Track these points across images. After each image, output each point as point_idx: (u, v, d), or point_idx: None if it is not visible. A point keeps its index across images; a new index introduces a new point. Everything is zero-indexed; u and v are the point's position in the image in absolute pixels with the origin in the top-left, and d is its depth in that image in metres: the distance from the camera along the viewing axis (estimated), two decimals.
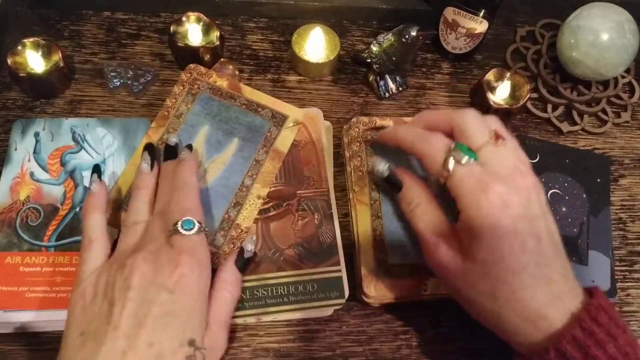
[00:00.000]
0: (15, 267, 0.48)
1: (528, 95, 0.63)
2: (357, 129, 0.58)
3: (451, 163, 0.42)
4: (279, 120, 0.56)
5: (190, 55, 0.61)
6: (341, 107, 0.64)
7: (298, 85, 0.64)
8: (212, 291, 0.44)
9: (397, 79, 0.65)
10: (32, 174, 0.52)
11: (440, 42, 0.68)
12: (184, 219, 0.43)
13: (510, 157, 0.43)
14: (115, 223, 0.50)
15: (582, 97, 0.67)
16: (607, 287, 0.55)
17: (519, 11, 0.75)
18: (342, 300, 0.50)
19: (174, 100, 0.56)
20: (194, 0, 0.65)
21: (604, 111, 0.68)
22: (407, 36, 0.58)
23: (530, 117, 0.67)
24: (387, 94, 0.64)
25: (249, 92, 0.58)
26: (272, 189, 0.53)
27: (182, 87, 0.57)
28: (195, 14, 0.62)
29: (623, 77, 0.70)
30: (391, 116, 0.61)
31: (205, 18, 0.62)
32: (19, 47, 0.57)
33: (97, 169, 0.49)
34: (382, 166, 0.49)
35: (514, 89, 0.63)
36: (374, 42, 0.62)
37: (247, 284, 0.49)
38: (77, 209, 0.51)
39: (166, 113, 0.56)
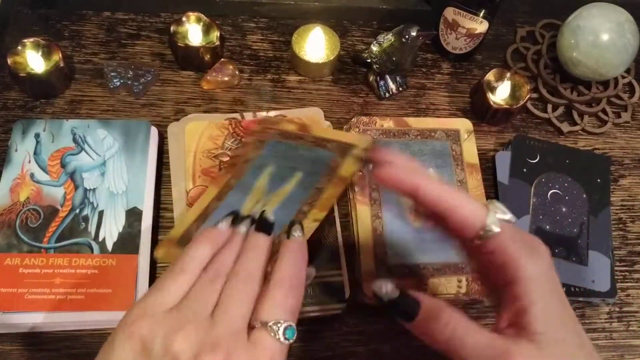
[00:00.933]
0: (15, 268, 0.48)
1: (528, 96, 0.63)
2: (357, 129, 0.58)
3: (494, 217, 0.34)
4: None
5: (190, 56, 0.61)
6: (341, 107, 0.64)
7: (298, 85, 0.64)
8: None
9: (397, 79, 0.65)
10: (32, 175, 0.52)
11: (440, 42, 0.68)
12: (288, 323, 0.34)
13: None
14: (167, 257, 0.47)
15: (582, 98, 0.67)
16: (607, 287, 0.56)
17: (519, 11, 0.75)
18: (342, 306, 0.50)
19: (243, 150, 0.55)
20: (194, 1, 0.65)
21: (604, 111, 0.68)
22: (407, 36, 0.58)
23: (530, 117, 0.67)
24: (387, 94, 0.64)
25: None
26: None
27: (252, 137, 0.56)
28: (195, 14, 0.61)
29: (623, 77, 0.70)
30: (391, 116, 0.61)
31: (205, 18, 0.62)
32: (19, 47, 0.57)
33: (235, 214, 0.42)
34: (388, 287, 0.37)
35: (514, 89, 0.63)
36: (374, 42, 0.62)
37: None
38: (77, 211, 0.51)
39: (233, 162, 0.54)
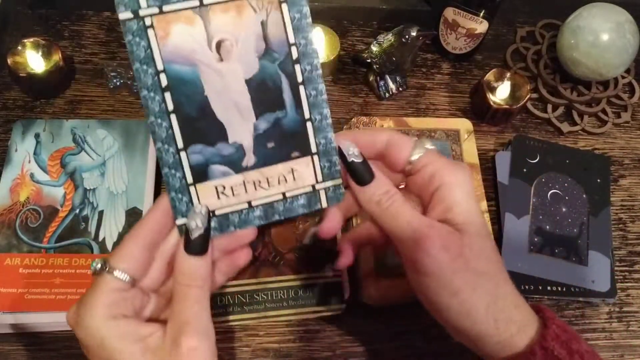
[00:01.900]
0: (15, 268, 0.48)
1: (528, 96, 0.63)
2: (357, 129, 0.58)
3: (419, 142, 0.38)
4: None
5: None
6: (341, 107, 0.64)
7: None
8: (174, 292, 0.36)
9: (397, 79, 0.65)
10: (32, 175, 0.52)
11: (440, 43, 0.68)
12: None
13: None
14: None
15: (582, 98, 0.67)
16: (607, 287, 0.56)
17: (519, 11, 0.75)
18: (342, 306, 0.50)
19: None
20: None
21: (604, 111, 0.68)
22: (407, 36, 0.58)
23: (530, 117, 0.67)
24: (387, 94, 0.64)
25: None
26: None
27: None
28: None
29: (623, 77, 0.70)
30: (391, 116, 0.61)
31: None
32: (19, 47, 0.57)
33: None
34: (354, 149, 0.38)
35: (514, 89, 0.63)
36: (374, 42, 0.62)
37: (246, 288, 0.49)
38: (77, 211, 0.51)
39: None
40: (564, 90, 0.67)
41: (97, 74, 0.62)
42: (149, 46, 0.33)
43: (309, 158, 0.37)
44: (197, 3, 0.33)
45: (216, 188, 0.36)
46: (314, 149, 0.37)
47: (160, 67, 0.33)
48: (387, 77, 0.64)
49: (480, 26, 0.64)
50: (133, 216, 0.51)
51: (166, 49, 0.33)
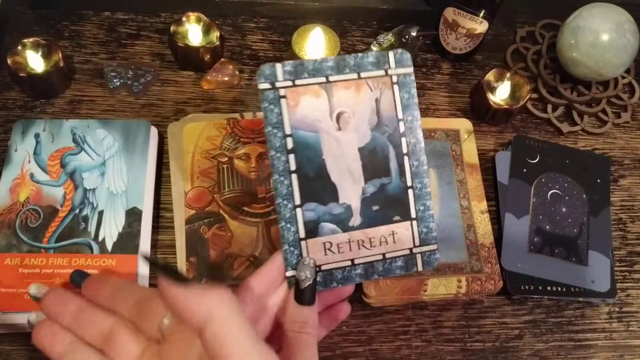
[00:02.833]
0: (15, 268, 0.48)
1: (528, 96, 0.63)
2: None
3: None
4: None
5: (190, 56, 0.61)
6: None
7: None
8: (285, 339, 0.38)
9: None
10: (32, 175, 0.52)
11: (440, 43, 0.68)
12: None
13: None
14: None
15: (582, 98, 0.67)
16: (607, 288, 0.56)
17: (519, 11, 0.75)
18: None
19: None
20: (193, 1, 0.65)
21: (604, 111, 0.68)
22: (407, 36, 0.58)
23: (530, 117, 0.67)
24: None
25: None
26: (273, 192, 0.53)
27: None
28: (195, 14, 0.61)
29: (623, 77, 0.70)
30: None
31: (205, 18, 0.62)
32: (19, 47, 0.57)
33: None
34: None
35: (514, 90, 0.63)
36: (374, 42, 0.62)
37: None
38: (77, 211, 0.51)
39: None
40: (564, 90, 0.67)
41: (97, 74, 0.62)
42: (281, 113, 0.38)
43: (408, 223, 0.40)
44: (324, 80, 0.39)
45: (324, 244, 0.39)
46: (413, 214, 0.40)
47: (288, 131, 0.38)
48: None
49: (480, 26, 0.64)
50: (133, 216, 0.51)
51: (295, 117, 0.38)
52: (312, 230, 0.39)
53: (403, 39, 0.59)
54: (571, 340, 0.55)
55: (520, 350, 0.53)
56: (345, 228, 0.39)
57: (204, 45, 0.60)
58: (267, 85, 0.38)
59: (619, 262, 0.59)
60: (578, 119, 0.67)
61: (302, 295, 0.38)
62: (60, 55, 0.58)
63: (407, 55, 0.41)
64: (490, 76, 0.63)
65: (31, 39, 0.58)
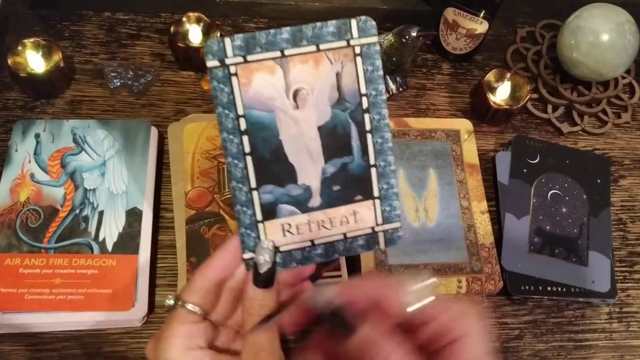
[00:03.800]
0: (15, 268, 0.48)
1: (528, 96, 0.63)
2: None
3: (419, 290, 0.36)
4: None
5: (190, 56, 0.61)
6: None
7: None
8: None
9: (397, 79, 0.65)
10: (32, 176, 0.52)
11: (440, 43, 0.68)
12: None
13: None
14: None
15: (582, 98, 0.67)
16: (607, 288, 0.56)
17: (519, 12, 0.75)
18: None
19: None
20: (194, 1, 0.65)
21: (604, 112, 0.68)
22: (407, 37, 0.58)
23: (530, 117, 0.67)
24: (387, 95, 0.64)
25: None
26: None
27: None
28: (195, 14, 0.61)
29: (623, 77, 0.70)
30: (391, 116, 0.61)
31: (205, 18, 0.62)
32: (19, 48, 0.57)
33: None
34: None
35: (514, 90, 0.63)
36: None
37: None
38: (77, 211, 0.51)
39: None
40: (564, 90, 0.67)
41: (97, 74, 0.62)
42: (232, 92, 0.36)
43: (371, 202, 0.39)
44: (279, 54, 0.36)
45: (282, 226, 0.38)
46: (376, 193, 0.39)
47: (240, 112, 0.36)
48: (388, 77, 0.64)
49: (481, 26, 0.64)
50: (133, 216, 0.51)
51: (247, 96, 0.36)
52: (270, 212, 0.38)
53: (403, 39, 0.59)
54: (571, 341, 0.55)
55: (521, 350, 0.53)
56: (305, 209, 0.38)
57: (204, 45, 0.60)
58: (215, 63, 0.35)
59: (619, 263, 0.59)
60: (578, 119, 0.67)
61: (261, 278, 0.37)
62: (60, 55, 0.58)
63: (372, 23, 0.39)
64: (490, 76, 0.63)
65: (31, 39, 0.58)
